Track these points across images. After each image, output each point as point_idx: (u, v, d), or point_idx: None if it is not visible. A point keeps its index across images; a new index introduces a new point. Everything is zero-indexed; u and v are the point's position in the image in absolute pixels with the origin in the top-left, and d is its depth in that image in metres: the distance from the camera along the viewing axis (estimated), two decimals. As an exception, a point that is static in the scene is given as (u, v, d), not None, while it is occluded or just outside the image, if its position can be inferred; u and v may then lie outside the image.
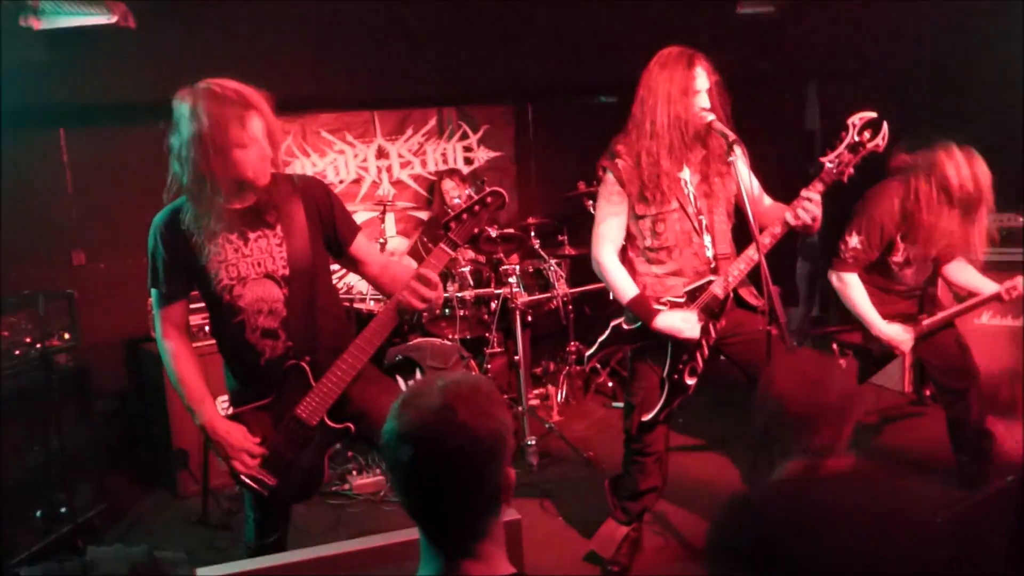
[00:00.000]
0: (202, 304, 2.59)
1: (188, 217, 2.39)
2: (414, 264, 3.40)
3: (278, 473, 2.48)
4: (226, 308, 2.45)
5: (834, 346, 3.73)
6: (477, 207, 2.47)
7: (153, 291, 2.51)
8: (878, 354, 3.67)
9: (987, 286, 3.65)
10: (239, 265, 2.43)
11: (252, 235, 2.44)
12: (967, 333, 4.77)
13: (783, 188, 3.14)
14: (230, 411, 2.54)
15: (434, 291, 2.44)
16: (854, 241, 3.52)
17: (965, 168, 3.33)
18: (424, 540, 1.38)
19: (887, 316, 3.59)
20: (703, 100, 2.96)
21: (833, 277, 3.64)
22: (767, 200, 3.15)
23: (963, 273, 3.72)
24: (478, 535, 1.36)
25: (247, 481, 2.47)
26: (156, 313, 2.53)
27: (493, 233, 4.74)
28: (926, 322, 3.61)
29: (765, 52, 5.55)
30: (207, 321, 3.69)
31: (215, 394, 2.56)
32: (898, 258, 3.59)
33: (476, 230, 2.52)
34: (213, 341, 2.66)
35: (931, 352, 3.67)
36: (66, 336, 3.91)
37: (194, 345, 2.59)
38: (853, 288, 3.58)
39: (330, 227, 2.57)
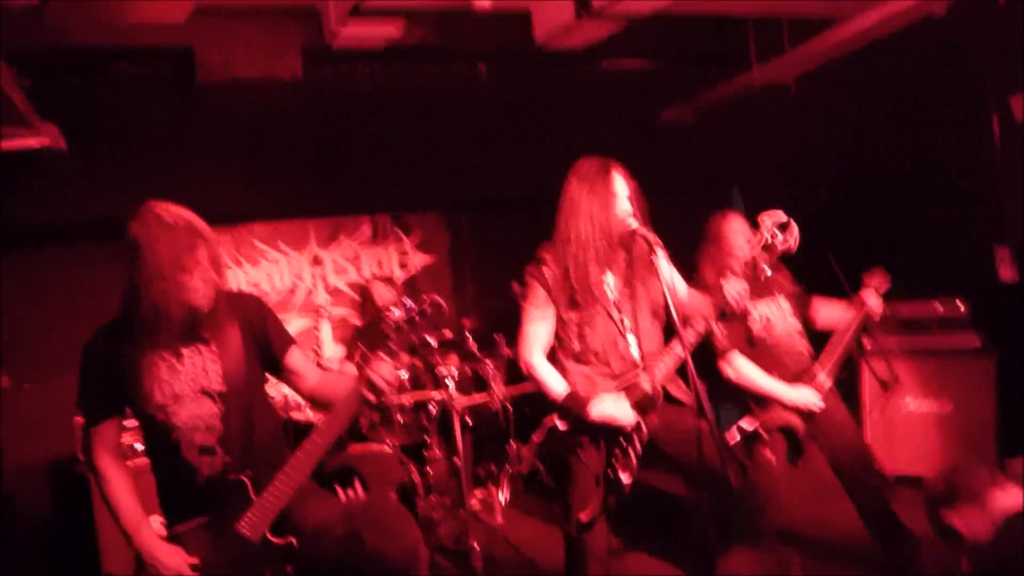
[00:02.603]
0: (134, 423, 2.57)
1: (121, 339, 2.39)
2: (354, 370, 3.41)
3: None
4: (160, 427, 2.43)
5: (764, 435, 3.79)
6: (416, 317, 2.52)
7: (83, 413, 2.47)
8: (801, 432, 3.68)
9: (846, 314, 3.81)
10: (173, 383, 2.43)
11: (186, 351, 2.45)
12: (895, 421, 4.96)
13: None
14: (166, 531, 2.49)
15: (386, 386, 2.46)
16: (715, 327, 3.53)
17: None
18: None
19: (790, 380, 3.67)
20: (624, 204, 3.09)
21: (726, 369, 3.69)
22: (689, 294, 3.27)
23: (823, 312, 3.90)
24: None
25: None
26: (87, 435, 2.49)
27: (434, 343, 4.76)
28: (819, 372, 3.70)
29: (687, 159, 5.80)
30: (138, 439, 3.65)
31: (149, 512, 2.50)
32: (759, 323, 3.72)
33: (415, 339, 2.56)
34: (146, 459, 2.61)
35: (835, 447, 3.70)
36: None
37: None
38: (747, 369, 3.65)
39: (264, 342, 2.59)
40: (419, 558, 1.41)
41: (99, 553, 4.09)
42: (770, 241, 2.96)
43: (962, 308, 4.89)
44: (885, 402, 4.89)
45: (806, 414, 3.64)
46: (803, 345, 3.86)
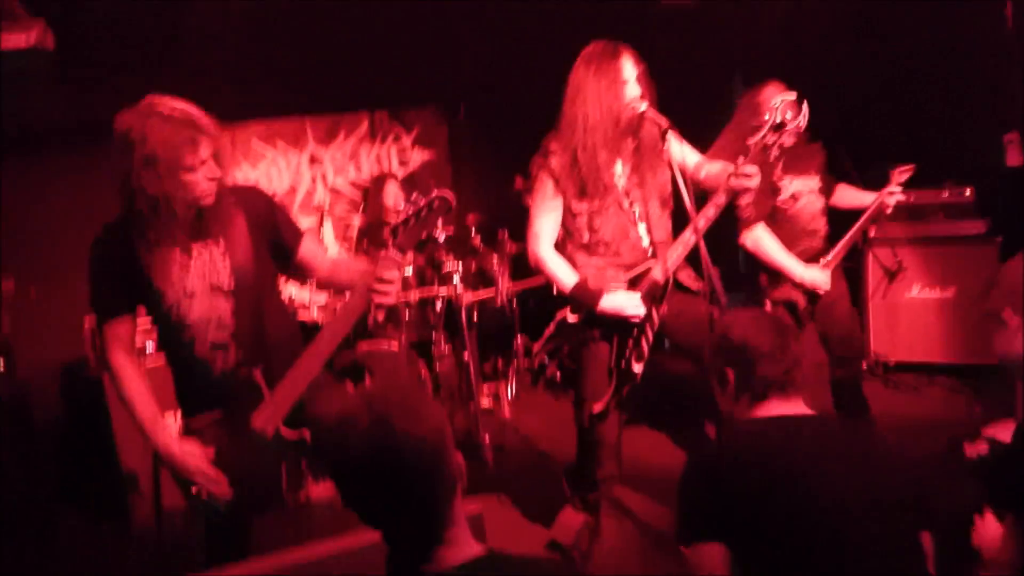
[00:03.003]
0: (145, 322, 2.56)
1: (130, 235, 2.35)
2: (358, 261, 3.40)
3: (234, 486, 2.44)
4: (174, 324, 2.42)
5: (767, 304, 3.86)
6: (424, 211, 2.43)
7: (96, 312, 2.46)
8: (803, 307, 3.79)
9: (868, 198, 3.91)
10: (184, 280, 2.40)
11: (196, 248, 2.42)
12: (898, 307, 5.00)
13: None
14: (182, 426, 2.51)
15: (394, 287, 2.44)
16: (744, 197, 3.55)
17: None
18: (389, 540, 1.43)
19: (802, 258, 3.73)
20: (632, 89, 3.01)
21: (746, 240, 3.73)
22: (708, 167, 3.21)
23: (846, 196, 3.99)
24: (443, 524, 1.43)
25: (203, 499, 2.42)
26: (100, 333, 2.48)
27: (442, 238, 4.73)
28: (832, 255, 3.77)
29: (689, 44, 5.65)
30: (152, 338, 3.67)
31: (165, 409, 2.52)
32: (785, 196, 3.73)
33: (424, 235, 2.51)
34: (160, 357, 2.62)
35: (829, 322, 3.82)
36: None
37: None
38: (766, 242, 3.68)
39: (274, 235, 2.55)
40: (448, 435, 1.43)
41: (116, 452, 4.16)
42: (779, 120, 2.91)
43: (968, 194, 4.86)
44: (888, 289, 4.92)
45: (812, 293, 3.71)
46: (822, 225, 3.88)
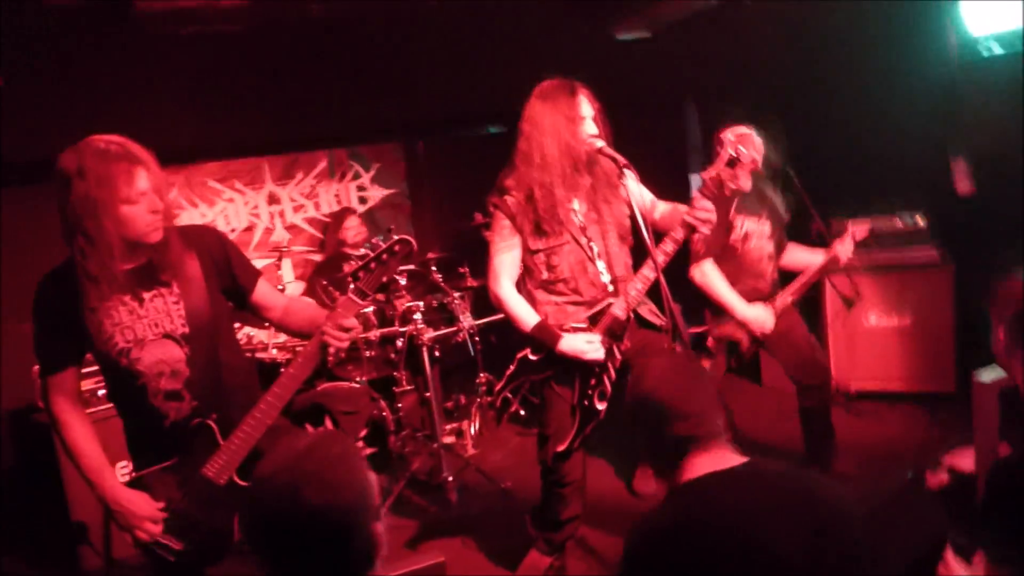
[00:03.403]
0: (95, 368, 2.49)
1: (76, 282, 2.28)
2: (313, 303, 3.35)
3: (185, 536, 2.38)
4: (124, 372, 2.35)
5: (709, 342, 3.91)
6: (385, 256, 2.42)
7: (40, 362, 2.39)
8: (745, 346, 3.86)
9: (815, 258, 3.99)
10: (135, 327, 2.33)
11: (147, 295, 2.35)
12: (856, 335, 5.04)
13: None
14: (132, 476, 2.43)
15: (350, 334, 2.42)
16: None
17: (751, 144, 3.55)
18: None
19: (747, 299, 3.79)
20: (590, 127, 3.02)
21: (695, 272, 3.79)
22: (661, 207, 3.23)
23: (793, 254, 4.06)
24: None
25: (152, 549, 2.35)
26: (44, 383, 2.41)
27: (403, 281, 4.70)
28: (779, 298, 3.84)
29: (643, 75, 5.72)
30: (100, 385, 3.57)
31: (114, 459, 2.45)
32: (738, 235, 3.81)
33: (385, 279, 2.48)
34: (109, 405, 2.54)
35: (783, 348, 3.87)
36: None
37: (89, 411, 2.48)
38: (713, 276, 3.76)
39: (228, 277, 2.50)
40: (367, 507, 1.37)
41: (66, 500, 4.03)
42: (733, 155, 2.93)
43: (922, 222, 4.94)
44: (846, 318, 4.96)
45: (754, 333, 3.77)
46: (771, 268, 3.96)
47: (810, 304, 4.20)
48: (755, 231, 3.83)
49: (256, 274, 2.60)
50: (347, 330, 2.40)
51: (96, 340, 2.32)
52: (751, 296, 3.81)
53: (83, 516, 4.05)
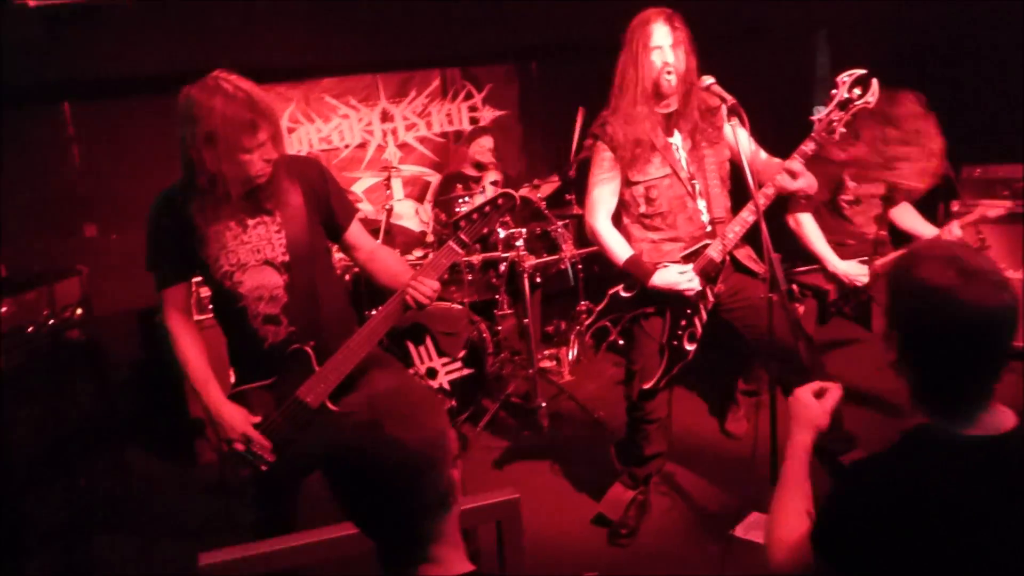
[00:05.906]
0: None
1: (188, 203, 2.40)
2: (398, 256, 3.42)
3: (276, 451, 2.49)
4: (227, 294, 2.47)
5: (794, 287, 3.85)
6: (488, 208, 2.50)
7: (153, 275, 2.53)
8: (832, 298, 3.80)
9: (928, 230, 3.85)
10: (238, 252, 2.45)
11: (251, 222, 2.46)
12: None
13: (790, 138, 3.09)
14: (234, 390, 2.58)
15: (436, 290, 2.50)
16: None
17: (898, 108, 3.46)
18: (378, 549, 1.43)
19: (843, 258, 3.74)
20: (666, 55, 2.93)
21: (789, 220, 3.78)
22: (763, 157, 3.12)
23: (907, 217, 3.92)
24: (429, 540, 1.39)
25: (246, 458, 2.48)
26: (158, 295, 2.55)
27: (503, 233, 4.71)
28: (879, 261, 3.72)
29: (772, 3, 5.43)
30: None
31: (224, 364, 2.60)
32: (847, 196, 3.77)
33: (486, 231, 2.54)
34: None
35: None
36: (78, 311, 3.97)
37: (204, 317, 2.61)
38: (807, 228, 3.75)
39: (327, 210, 2.58)
40: (445, 450, 1.40)
41: (185, 397, 4.31)
42: (846, 97, 2.78)
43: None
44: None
45: (846, 285, 3.72)
46: (875, 230, 3.86)
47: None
48: (866, 198, 3.77)
49: (353, 212, 2.68)
50: (432, 284, 2.47)
51: (203, 261, 2.45)
52: (847, 254, 3.76)
53: (201, 413, 4.33)
